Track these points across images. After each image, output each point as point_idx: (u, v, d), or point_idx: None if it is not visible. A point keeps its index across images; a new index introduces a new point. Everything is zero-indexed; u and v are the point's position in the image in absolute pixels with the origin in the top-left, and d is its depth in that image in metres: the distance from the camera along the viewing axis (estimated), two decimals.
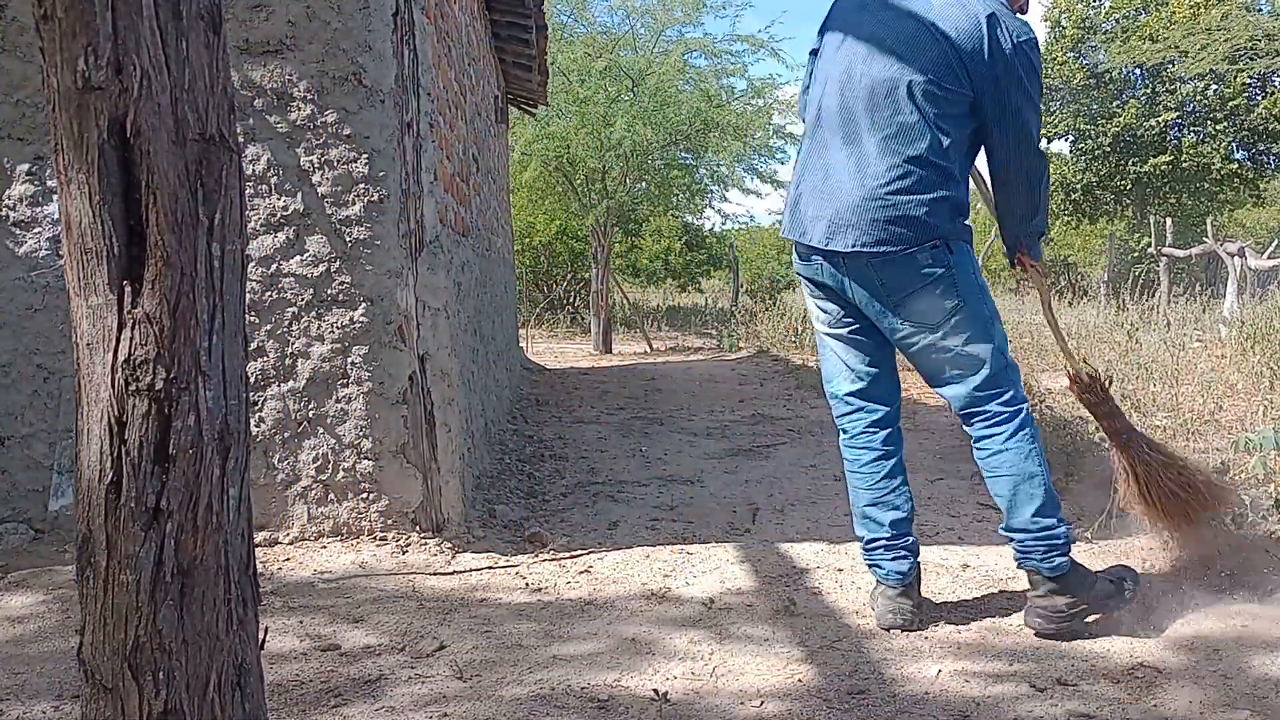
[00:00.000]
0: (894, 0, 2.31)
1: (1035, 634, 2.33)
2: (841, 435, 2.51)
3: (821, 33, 2.49)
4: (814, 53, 2.52)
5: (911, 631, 2.35)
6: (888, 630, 2.36)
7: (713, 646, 2.27)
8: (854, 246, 2.24)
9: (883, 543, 2.41)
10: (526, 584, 2.74)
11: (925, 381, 2.45)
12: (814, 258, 2.36)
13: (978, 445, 2.38)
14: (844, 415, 2.49)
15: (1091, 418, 2.65)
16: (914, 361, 2.41)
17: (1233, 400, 5.66)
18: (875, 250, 2.24)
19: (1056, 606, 2.30)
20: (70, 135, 1.10)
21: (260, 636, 1.24)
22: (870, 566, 2.47)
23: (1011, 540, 2.37)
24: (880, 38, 2.29)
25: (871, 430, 2.44)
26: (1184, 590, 2.58)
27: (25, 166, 2.99)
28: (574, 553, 3.05)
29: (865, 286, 2.31)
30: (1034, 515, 2.29)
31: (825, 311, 2.45)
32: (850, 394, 2.46)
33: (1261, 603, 2.48)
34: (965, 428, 2.41)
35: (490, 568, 2.88)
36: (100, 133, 1.09)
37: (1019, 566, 2.39)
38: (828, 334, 2.48)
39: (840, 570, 2.86)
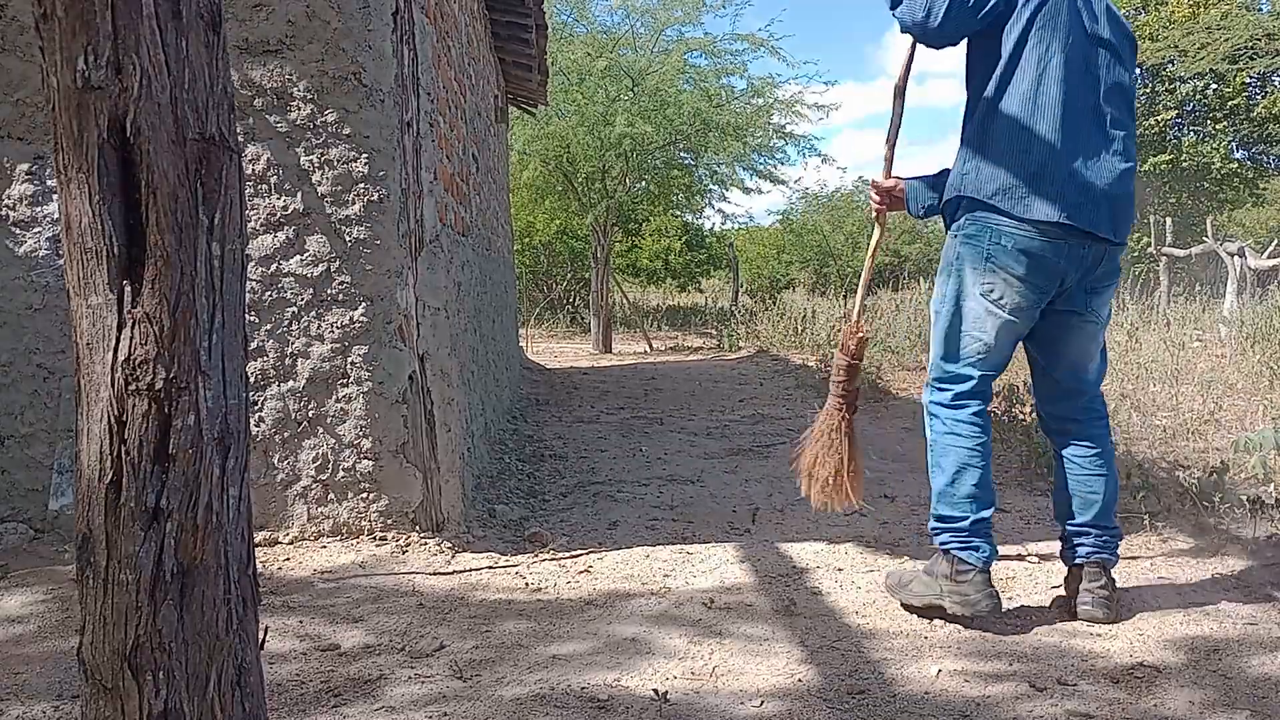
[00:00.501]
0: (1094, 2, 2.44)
1: (1099, 622, 2.37)
2: (956, 411, 2.44)
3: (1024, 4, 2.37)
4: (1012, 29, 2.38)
5: (999, 615, 2.37)
6: (984, 615, 2.33)
7: (713, 646, 2.27)
8: (1118, 238, 2.39)
9: (986, 520, 2.40)
10: (526, 584, 2.74)
11: (1067, 370, 2.50)
12: (1064, 240, 2.34)
13: (1080, 441, 2.49)
14: (964, 395, 2.45)
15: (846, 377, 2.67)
16: (1072, 346, 2.48)
17: (1233, 400, 5.66)
18: (1120, 242, 2.41)
19: (1111, 591, 2.43)
20: (70, 135, 1.10)
21: (260, 636, 1.24)
22: (965, 549, 2.37)
23: (1088, 536, 2.45)
24: (1107, 40, 2.40)
25: (979, 416, 2.45)
26: (1184, 590, 2.59)
27: (25, 166, 2.99)
28: (574, 553, 3.05)
29: (1085, 271, 2.40)
30: (1115, 513, 2.50)
31: (1020, 295, 2.37)
32: (982, 377, 2.45)
33: (1261, 603, 2.48)
34: (1065, 425, 2.52)
35: (490, 568, 2.88)
36: (100, 132, 1.09)
37: (1088, 561, 2.44)
38: (1004, 318, 2.39)
39: (840, 570, 2.86)
